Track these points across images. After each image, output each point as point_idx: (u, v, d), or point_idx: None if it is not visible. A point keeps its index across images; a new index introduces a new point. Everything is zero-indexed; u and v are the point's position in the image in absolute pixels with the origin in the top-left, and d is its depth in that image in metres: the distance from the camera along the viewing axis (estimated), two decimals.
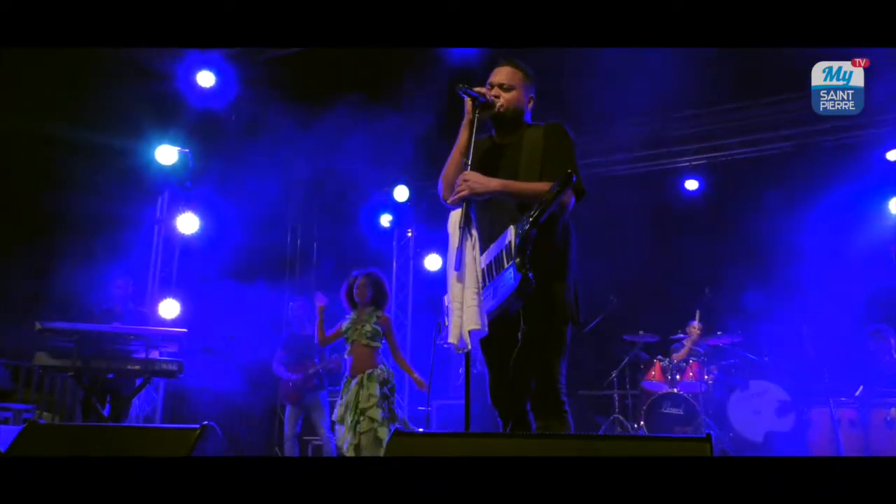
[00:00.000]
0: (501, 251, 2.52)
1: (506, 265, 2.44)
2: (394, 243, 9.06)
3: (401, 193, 8.87)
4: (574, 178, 2.38)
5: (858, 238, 7.27)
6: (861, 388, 5.74)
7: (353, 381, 4.79)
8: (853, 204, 7.22)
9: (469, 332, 2.48)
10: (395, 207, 9.13)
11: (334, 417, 4.86)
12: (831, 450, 5.50)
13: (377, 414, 4.66)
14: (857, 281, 6.86)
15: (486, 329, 2.49)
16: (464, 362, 2.58)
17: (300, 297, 7.10)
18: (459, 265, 2.52)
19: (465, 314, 2.48)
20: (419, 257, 9.08)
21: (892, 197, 7.54)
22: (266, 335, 7.52)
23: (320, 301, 5.18)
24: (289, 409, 6.48)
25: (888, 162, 7.43)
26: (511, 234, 2.46)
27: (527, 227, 2.39)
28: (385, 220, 9.22)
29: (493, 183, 2.68)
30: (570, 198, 2.69)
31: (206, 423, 1.68)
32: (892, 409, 5.41)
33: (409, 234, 9.00)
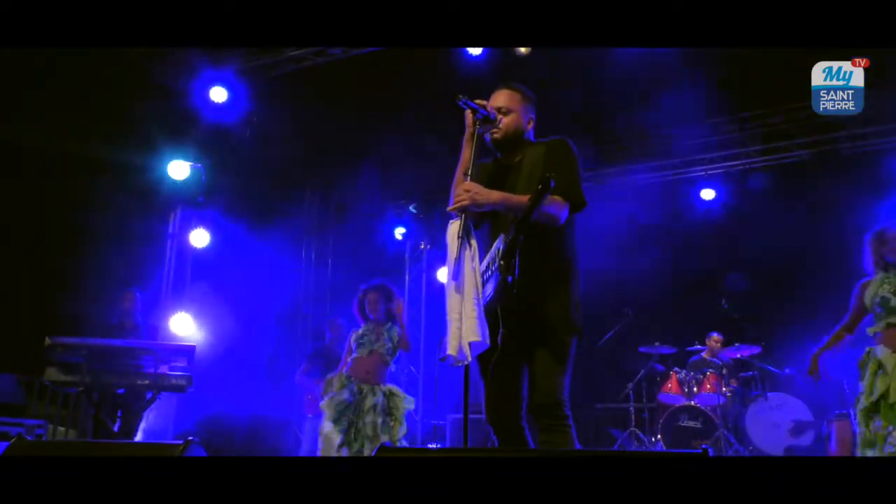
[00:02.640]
0: (490, 259, 2.53)
1: (493, 272, 2.44)
2: (406, 256, 9.06)
3: (414, 206, 8.91)
4: (553, 183, 2.33)
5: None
6: None
7: (369, 392, 4.71)
8: (873, 212, 7.07)
9: (469, 344, 2.44)
10: (408, 220, 9.15)
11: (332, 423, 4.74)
12: None
13: (403, 432, 4.67)
14: None
15: (488, 342, 2.44)
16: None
17: (340, 318, 7.03)
18: (457, 276, 2.49)
19: (464, 325, 2.44)
20: (432, 270, 9.07)
21: None
22: (278, 347, 7.51)
23: None
24: (308, 423, 6.30)
25: None
26: (501, 241, 2.47)
27: (512, 232, 2.36)
28: (398, 232, 9.25)
29: (495, 195, 2.66)
30: (560, 209, 2.63)
31: (189, 438, 1.66)
32: None
33: (423, 247, 8.96)
